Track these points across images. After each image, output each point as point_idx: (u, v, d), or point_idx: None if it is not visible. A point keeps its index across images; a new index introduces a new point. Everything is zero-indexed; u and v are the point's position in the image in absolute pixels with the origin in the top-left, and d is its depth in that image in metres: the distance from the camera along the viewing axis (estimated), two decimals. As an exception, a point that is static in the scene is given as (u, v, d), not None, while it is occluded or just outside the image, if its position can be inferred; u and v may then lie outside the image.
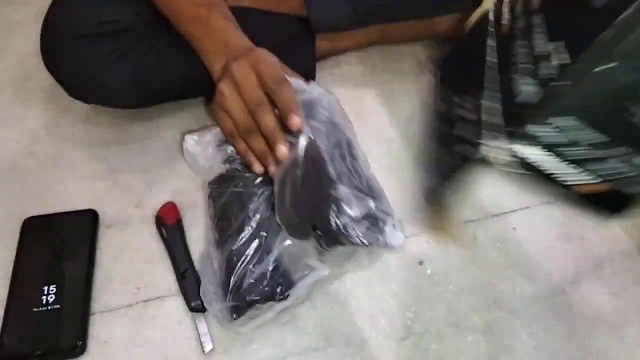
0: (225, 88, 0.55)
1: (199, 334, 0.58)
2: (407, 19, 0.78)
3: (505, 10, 0.46)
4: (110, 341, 0.58)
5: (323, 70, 0.81)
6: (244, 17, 0.69)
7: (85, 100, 0.70)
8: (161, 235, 0.65)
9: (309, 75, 0.76)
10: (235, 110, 0.55)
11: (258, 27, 0.62)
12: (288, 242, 0.56)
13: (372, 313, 0.60)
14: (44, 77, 0.80)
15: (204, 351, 0.57)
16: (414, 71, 0.85)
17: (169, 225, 0.65)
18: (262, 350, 0.57)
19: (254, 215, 0.58)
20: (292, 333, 0.58)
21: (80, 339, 0.57)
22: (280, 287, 0.55)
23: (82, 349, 0.57)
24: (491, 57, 0.45)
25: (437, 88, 0.57)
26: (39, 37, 0.67)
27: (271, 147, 0.55)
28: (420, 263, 0.63)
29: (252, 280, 0.55)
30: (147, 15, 0.65)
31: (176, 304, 0.60)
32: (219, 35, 0.60)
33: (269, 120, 0.54)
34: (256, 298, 0.55)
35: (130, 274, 0.63)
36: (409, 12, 0.77)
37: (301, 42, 0.76)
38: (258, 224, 0.57)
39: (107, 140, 0.75)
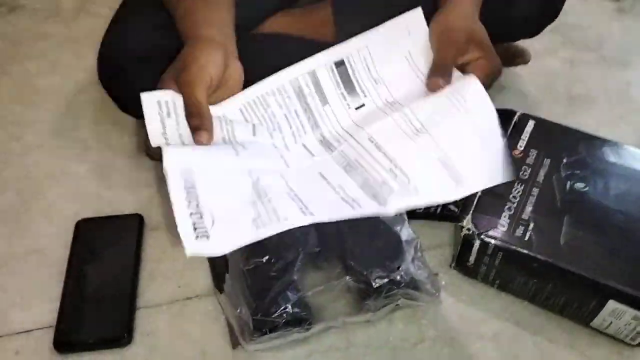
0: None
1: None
2: None
3: None
4: (154, 334, 0.64)
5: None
6: (278, 44, 0.73)
7: (136, 115, 0.77)
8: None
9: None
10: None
11: (290, 53, 0.64)
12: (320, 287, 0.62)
13: (390, 319, 0.65)
14: (95, 90, 0.87)
15: (232, 347, 0.62)
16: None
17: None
18: (287, 347, 0.62)
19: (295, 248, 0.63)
20: (317, 331, 0.63)
21: (126, 331, 0.63)
22: (306, 319, 0.60)
23: (129, 340, 0.63)
24: None
25: None
26: (87, 54, 0.73)
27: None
28: (436, 275, 0.68)
29: (282, 305, 0.59)
30: None
31: (213, 303, 0.66)
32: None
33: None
34: (282, 321, 0.59)
35: (172, 273, 0.69)
36: None
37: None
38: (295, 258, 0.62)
39: (153, 151, 0.82)
